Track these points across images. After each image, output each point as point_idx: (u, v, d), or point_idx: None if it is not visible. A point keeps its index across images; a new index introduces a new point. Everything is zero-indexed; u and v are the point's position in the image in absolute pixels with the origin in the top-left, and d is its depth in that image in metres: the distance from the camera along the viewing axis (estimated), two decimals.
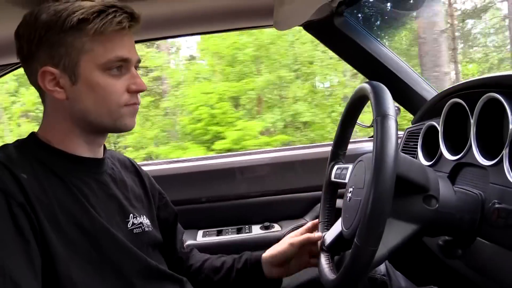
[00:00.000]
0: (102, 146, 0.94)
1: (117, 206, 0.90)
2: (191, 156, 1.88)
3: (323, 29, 1.49)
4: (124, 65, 0.84)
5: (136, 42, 1.57)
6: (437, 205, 0.84)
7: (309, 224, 1.11)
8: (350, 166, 0.99)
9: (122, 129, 0.88)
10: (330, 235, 1.01)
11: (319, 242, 1.05)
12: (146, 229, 0.95)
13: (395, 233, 0.80)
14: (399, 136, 0.88)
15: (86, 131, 0.86)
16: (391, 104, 0.75)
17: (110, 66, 0.82)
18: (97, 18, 0.79)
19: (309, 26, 1.48)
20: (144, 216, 0.96)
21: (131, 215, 0.92)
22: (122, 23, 0.81)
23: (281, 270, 1.08)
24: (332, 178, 1.09)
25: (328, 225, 1.09)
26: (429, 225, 0.84)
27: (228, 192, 1.70)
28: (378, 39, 1.50)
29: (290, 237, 1.08)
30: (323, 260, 0.98)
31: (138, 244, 0.90)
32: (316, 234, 1.05)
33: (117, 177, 0.95)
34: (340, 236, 0.93)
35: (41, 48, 0.81)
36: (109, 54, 0.81)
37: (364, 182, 0.83)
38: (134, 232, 0.92)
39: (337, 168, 1.08)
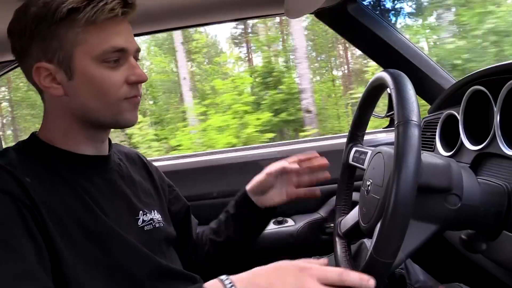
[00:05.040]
0: (106, 142, 0.91)
1: (125, 204, 0.88)
2: (201, 151, 1.86)
3: (336, 17, 1.44)
4: (121, 56, 0.80)
5: (145, 33, 1.57)
6: (459, 204, 0.79)
7: (295, 158, 1.10)
8: (369, 153, 0.94)
9: (123, 124, 0.85)
10: (346, 222, 0.98)
11: (336, 228, 1.02)
12: (157, 225, 0.92)
13: (414, 235, 0.76)
14: None
15: (87, 127, 0.83)
16: (415, 106, 0.69)
17: (106, 58, 0.78)
18: (88, 7, 0.75)
19: (321, 14, 1.44)
20: (155, 212, 0.93)
21: (141, 212, 0.89)
22: (114, 10, 0.76)
23: (265, 198, 1.09)
24: (350, 161, 1.05)
25: (345, 210, 1.06)
26: (451, 222, 0.81)
27: (240, 186, 1.66)
28: (393, 26, 1.45)
29: (269, 167, 1.09)
30: (339, 249, 0.96)
31: (150, 241, 0.88)
32: (293, 165, 1.06)
33: (124, 173, 0.92)
34: (356, 225, 0.90)
35: (33, 43, 0.77)
36: (104, 44, 0.77)
37: (383, 180, 0.78)
38: (145, 229, 0.89)
39: (356, 151, 1.03)
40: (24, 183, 0.71)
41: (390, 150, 0.78)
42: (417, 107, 0.69)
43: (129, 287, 0.79)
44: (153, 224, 0.91)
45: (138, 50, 0.84)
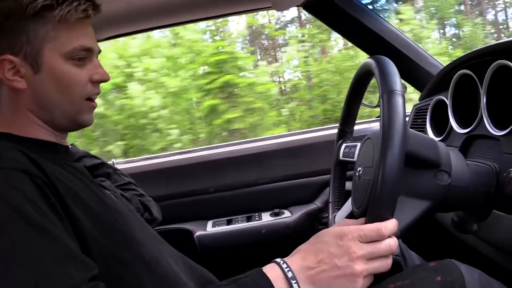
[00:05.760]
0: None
1: (98, 183, 0.89)
2: (196, 147, 1.87)
3: (324, 8, 1.45)
4: (87, 55, 0.83)
5: (135, 32, 1.57)
6: (449, 180, 0.81)
7: None
8: (358, 145, 0.96)
9: (80, 123, 0.86)
10: (340, 216, 0.99)
11: (330, 224, 1.03)
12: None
13: (407, 212, 0.77)
14: (407, 114, 0.86)
15: (48, 124, 0.83)
16: (397, 79, 0.72)
17: (74, 55, 0.80)
18: (62, 5, 0.76)
19: (308, 6, 1.44)
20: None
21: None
22: (87, 11, 0.79)
23: None
24: (341, 157, 1.06)
25: (339, 205, 1.07)
26: (442, 201, 0.82)
27: (236, 180, 1.68)
28: (381, 15, 1.46)
29: None
30: None
31: (130, 208, 0.93)
32: None
33: None
34: (350, 216, 0.91)
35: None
36: (73, 42, 0.80)
37: (373, 160, 0.81)
38: (117, 197, 0.93)
39: (345, 147, 1.05)
40: (36, 159, 0.71)
41: (378, 131, 0.80)
42: (399, 80, 0.72)
43: (138, 252, 0.79)
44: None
45: (100, 51, 0.87)
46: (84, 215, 0.72)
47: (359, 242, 0.67)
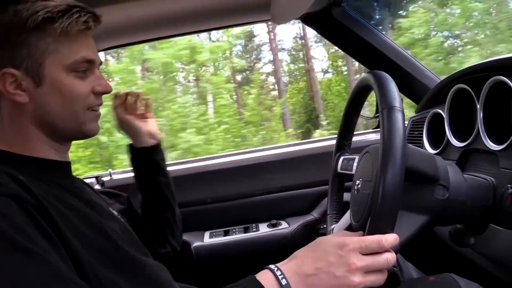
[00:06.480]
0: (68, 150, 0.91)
1: (96, 199, 0.89)
2: (194, 157, 1.87)
3: (322, 21, 1.46)
4: (89, 67, 0.83)
5: (135, 43, 1.59)
6: (447, 195, 0.82)
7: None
8: (357, 157, 0.97)
9: (86, 133, 0.86)
10: (338, 228, 0.99)
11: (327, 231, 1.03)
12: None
13: (405, 226, 0.78)
14: None
15: (51, 137, 0.83)
16: (397, 95, 0.72)
17: (76, 68, 0.80)
18: (63, 17, 0.76)
19: (307, 19, 1.46)
20: None
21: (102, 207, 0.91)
22: (88, 23, 0.79)
23: (139, 139, 1.14)
24: (339, 170, 1.07)
25: (337, 218, 1.07)
26: (440, 215, 0.83)
27: (233, 191, 1.68)
28: (378, 28, 1.48)
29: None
30: None
31: (126, 227, 0.91)
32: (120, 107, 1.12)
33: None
34: (349, 229, 0.91)
35: (0, 50, 0.77)
36: (75, 54, 0.80)
37: (372, 175, 0.81)
38: (116, 215, 0.92)
39: (343, 159, 1.06)
40: (24, 182, 0.70)
41: (376, 146, 0.81)
42: (399, 96, 0.72)
43: (134, 275, 0.79)
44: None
45: (101, 63, 0.87)
46: (76, 237, 0.71)
47: (359, 254, 0.67)
